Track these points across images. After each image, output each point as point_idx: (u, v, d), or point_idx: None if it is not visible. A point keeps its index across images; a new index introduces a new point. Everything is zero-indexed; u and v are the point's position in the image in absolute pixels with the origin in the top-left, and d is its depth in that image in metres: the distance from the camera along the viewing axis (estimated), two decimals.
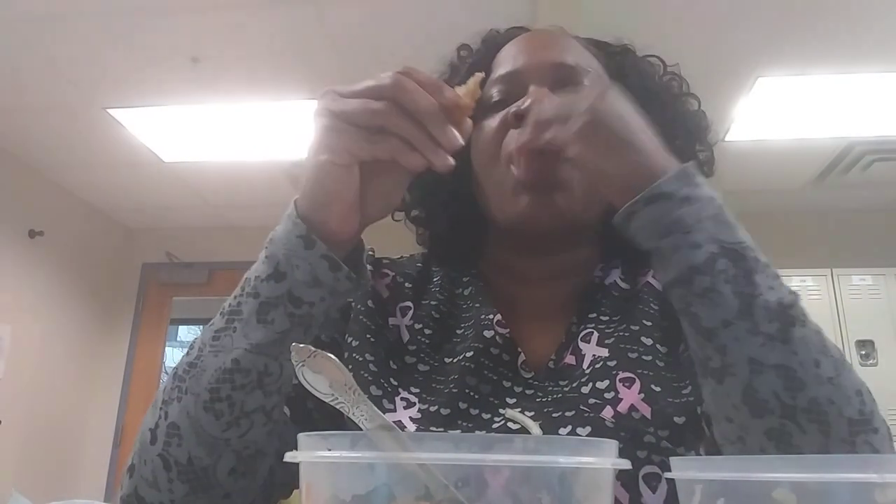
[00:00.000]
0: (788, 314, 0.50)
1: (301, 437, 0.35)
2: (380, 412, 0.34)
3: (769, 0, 2.44)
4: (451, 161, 0.52)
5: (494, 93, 0.69)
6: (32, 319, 3.97)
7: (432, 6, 2.52)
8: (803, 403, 0.48)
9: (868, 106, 3.08)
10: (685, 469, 0.34)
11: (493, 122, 0.68)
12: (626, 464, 0.34)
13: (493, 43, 0.77)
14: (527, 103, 0.63)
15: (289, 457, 0.34)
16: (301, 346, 0.36)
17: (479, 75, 0.57)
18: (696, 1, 2.45)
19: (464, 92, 0.54)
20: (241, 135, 3.47)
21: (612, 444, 0.34)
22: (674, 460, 0.35)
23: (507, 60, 0.71)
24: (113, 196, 4.34)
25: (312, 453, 0.33)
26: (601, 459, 0.33)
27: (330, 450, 0.33)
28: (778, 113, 3.16)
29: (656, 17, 2.50)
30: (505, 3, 2.34)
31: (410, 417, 0.62)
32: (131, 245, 4.83)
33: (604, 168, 0.55)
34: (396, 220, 0.79)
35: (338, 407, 0.35)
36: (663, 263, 0.53)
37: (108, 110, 3.25)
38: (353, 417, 0.35)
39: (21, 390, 3.86)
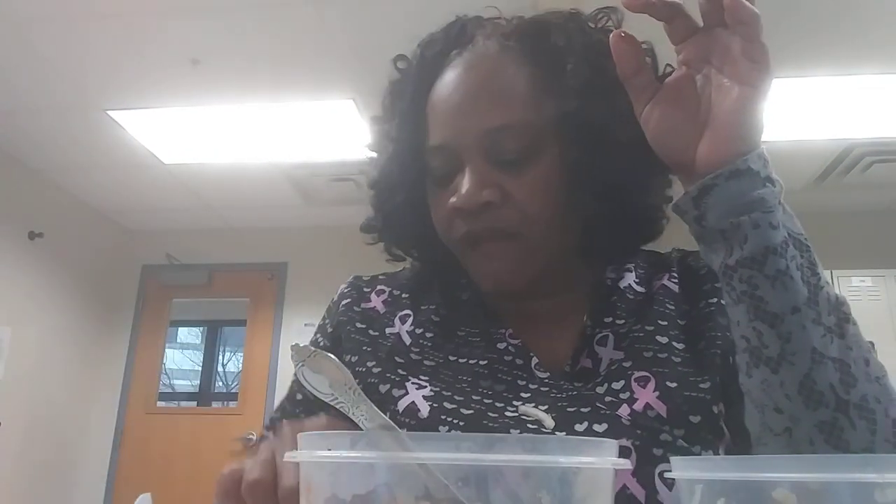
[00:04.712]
0: (842, 311, 0.52)
1: (301, 436, 0.35)
2: (380, 412, 0.34)
3: (768, 2, 2.44)
4: None
5: (435, 166, 0.66)
6: (32, 321, 3.97)
7: (432, 6, 2.52)
8: (855, 399, 0.49)
9: (867, 107, 3.08)
10: (686, 469, 0.34)
11: (441, 202, 0.66)
12: (626, 463, 0.34)
13: (432, 61, 0.71)
14: (463, 191, 0.62)
15: (289, 457, 0.34)
16: (301, 345, 0.36)
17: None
18: None
19: None
20: (240, 137, 3.47)
21: (612, 444, 0.34)
22: (674, 460, 0.35)
23: (438, 123, 0.66)
24: (113, 198, 4.34)
25: (312, 453, 0.33)
26: (601, 459, 0.33)
27: (330, 450, 0.33)
28: (777, 114, 3.16)
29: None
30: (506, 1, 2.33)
31: (423, 396, 0.62)
32: (131, 246, 4.83)
33: (680, 136, 0.54)
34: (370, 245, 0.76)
35: (338, 407, 0.35)
36: (733, 241, 0.51)
37: (109, 112, 3.25)
38: (353, 417, 0.35)
39: (21, 391, 3.85)
